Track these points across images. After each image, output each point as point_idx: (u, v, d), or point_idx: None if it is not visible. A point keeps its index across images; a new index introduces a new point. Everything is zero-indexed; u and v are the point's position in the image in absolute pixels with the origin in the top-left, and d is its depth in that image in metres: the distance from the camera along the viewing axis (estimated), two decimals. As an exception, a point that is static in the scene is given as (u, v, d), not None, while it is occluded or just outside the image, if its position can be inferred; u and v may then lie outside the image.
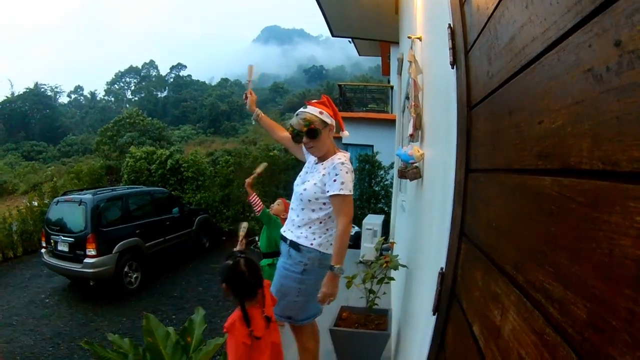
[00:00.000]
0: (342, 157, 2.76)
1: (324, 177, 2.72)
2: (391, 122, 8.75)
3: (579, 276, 0.56)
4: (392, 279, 3.56)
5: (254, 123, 3.47)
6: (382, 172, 11.29)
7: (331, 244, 2.79)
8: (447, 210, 1.55)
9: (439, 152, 2.04)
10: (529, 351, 0.69)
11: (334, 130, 2.85)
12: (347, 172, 2.66)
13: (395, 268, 3.32)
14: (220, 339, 3.30)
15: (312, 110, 2.76)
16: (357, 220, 8.51)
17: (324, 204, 2.76)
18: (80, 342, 5.84)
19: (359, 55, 12.94)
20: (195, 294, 8.24)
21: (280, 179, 12.59)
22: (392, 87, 10.49)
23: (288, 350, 3.45)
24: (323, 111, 2.77)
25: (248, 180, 4.31)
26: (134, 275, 8.47)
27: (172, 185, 13.50)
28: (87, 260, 7.70)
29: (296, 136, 2.79)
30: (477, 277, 1.10)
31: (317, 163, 2.89)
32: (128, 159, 14.88)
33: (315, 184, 2.76)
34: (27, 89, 72.80)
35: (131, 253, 8.41)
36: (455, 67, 1.53)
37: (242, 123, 52.06)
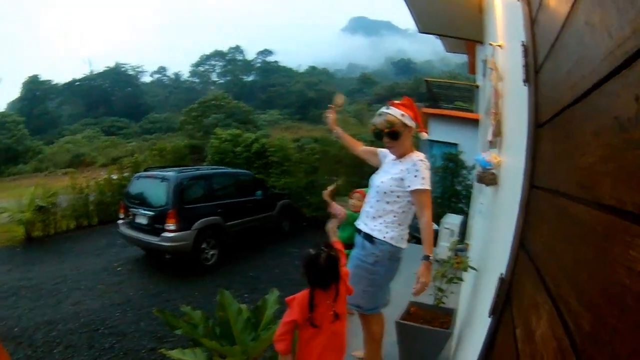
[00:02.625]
0: (420, 156, 2.93)
1: (402, 172, 2.89)
2: (476, 122, 8.51)
3: (589, 294, 0.66)
4: (461, 279, 3.60)
5: (334, 139, 3.69)
6: (465, 171, 11.03)
7: (403, 238, 2.96)
8: (513, 220, 1.61)
9: (513, 162, 2.06)
10: (549, 354, 0.79)
11: (413, 131, 2.99)
12: (426, 169, 2.85)
13: (465, 269, 3.37)
14: None
15: (394, 112, 2.91)
16: (437, 219, 8.45)
17: (399, 197, 2.92)
18: (149, 310, 6.00)
19: (447, 51, 12.58)
20: (271, 275, 8.10)
21: (364, 170, 12.48)
22: (477, 87, 10.17)
23: (355, 338, 3.60)
24: (405, 113, 2.91)
25: (326, 192, 4.42)
26: (211, 252, 8.56)
27: (256, 168, 13.45)
28: (165, 234, 7.81)
29: (378, 135, 2.97)
30: (527, 285, 1.19)
31: (395, 160, 3.05)
32: (213, 140, 15.01)
33: (392, 177, 2.94)
34: (107, 67, 75.91)
35: (210, 231, 8.45)
36: (527, 84, 1.57)
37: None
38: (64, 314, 6.28)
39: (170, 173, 8.53)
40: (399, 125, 2.89)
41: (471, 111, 13.27)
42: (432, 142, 12.58)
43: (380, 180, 3.02)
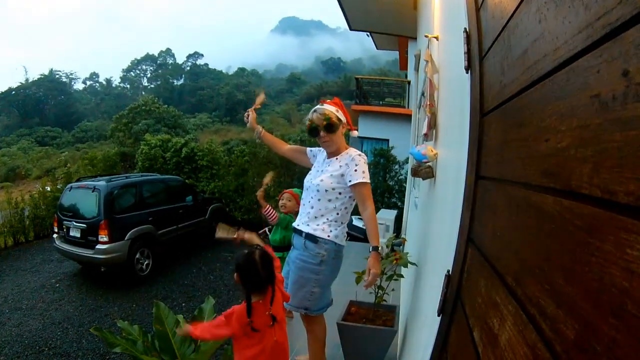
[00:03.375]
0: (357, 151, 2.99)
1: (341, 168, 2.92)
2: (407, 117, 8.71)
3: (571, 297, 0.58)
4: (402, 276, 3.58)
5: (257, 141, 3.57)
6: (397, 166, 11.25)
7: (344, 236, 2.99)
8: (456, 214, 1.56)
9: (452, 154, 2.03)
10: (521, 362, 0.71)
11: (345, 129, 3.04)
12: (365, 163, 2.89)
13: (405, 265, 3.34)
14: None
15: (329, 107, 2.96)
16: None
17: (340, 193, 2.93)
18: (89, 327, 5.84)
19: (377, 49, 12.83)
20: (207, 282, 8.23)
21: (294, 170, 12.57)
22: (409, 82, 10.42)
23: (297, 340, 3.50)
24: (339, 110, 2.98)
25: (259, 192, 4.32)
26: (146, 262, 8.49)
27: (186, 173, 13.52)
28: (99, 246, 7.73)
29: (313, 130, 2.98)
30: (480, 283, 1.12)
31: (329, 158, 3.06)
32: (143, 147, 14.96)
33: (332, 174, 2.94)
34: (41, 75, 74.09)
35: (143, 240, 8.42)
36: (469, 72, 1.53)
37: (258, 113, 51.98)
38: (8, 336, 6.23)
39: (100, 182, 8.44)
40: (335, 118, 2.93)
41: (402, 107, 13.58)
42: (363, 139, 12.78)
43: (319, 179, 2.98)
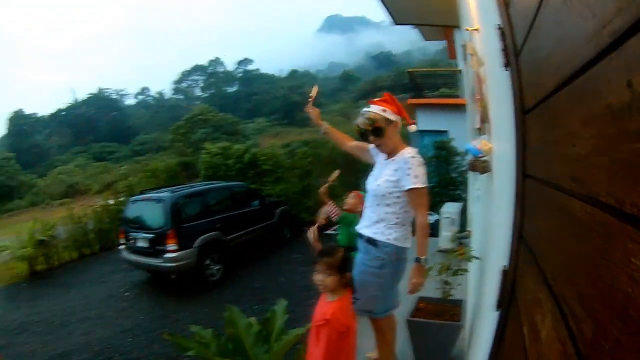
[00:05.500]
0: (411, 151, 2.86)
1: (396, 172, 2.84)
2: (464, 107, 8.52)
3: (590, 298, 0.62)
4: (466, 270, 3.56)
5: (323, 134, 3.55)
6: (458, 158, 11.02)
7: (407, 238, 2.92)
8: (510, 209, 1.56)
9: (504, 148, 2.01)
10: (554, 357, 0.75)
11: (399, 126, 2.93)
12: (418, 165, 2.78)
13: (469, 260, 3.33)
14: (301, 329, 3.32)
15: (375, 109, 2.88)
16: (436, 208, 8.45)
17: (398, 197, 2.86)
18: (160, 333, 5.84)
19: (425, 40, 12.56)
20: (277, 284, 8.18)
21: (358, 169, 12.51)
22: (460, 72, 10.16)
23: (369, 338, 3.57)
24: (386, 109, 2.87)
25: (322, 189, 4.40)
26: (216, 268, 8.57)
27: (250, 178, 13.45)
28: (167, 254, 7.82)
29: (363, 135, 2.93)
30: (529, 280, 1.15)
31: (386, 160, 2.99)
32: (204, 155, 15.03)
33: (387, 179, 2.88)
34: (90, 94, 76.94)
35: (212, 246, 8.48)
36: (508, 68, 1.52)
37: None
38: (77, 345, 6.26)
39: (165, 193, 8.57)
40: (381, 121, 2.85)
41: (457, 96, 13.28)
42: (422, 133, 12.58)
43: (376, 183, 2.96)
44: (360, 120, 2.92)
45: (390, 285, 3.01)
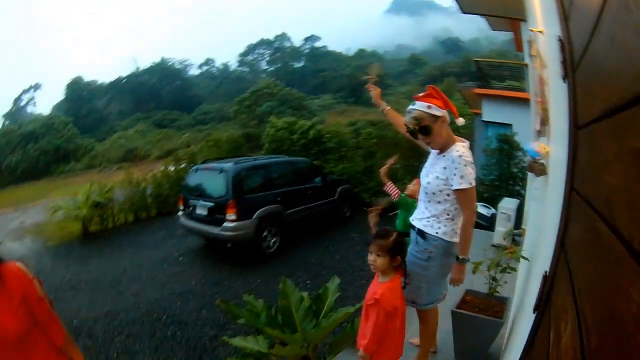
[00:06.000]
0: (460, 149, 2.78)
1: (445, 170, 2.80)
2: (529, 102, 8.25)
3: (600, 315, 0.70)
4: (514, 269, 3.57)
5: (381, 114, 3.55)
6: (520, 153, 10.71)
7: (456, 233, 2.89)
8: (556, 216, 1.60)
9: (559, 155, 2.02)
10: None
11: (448, 119, 2.84)
12: (465, 165, 2.71)
13: (518, 260, 3.35)
14: (351, 307, 3.40)
15: (420, 107, 2.80)
16: (493, 202, 8.33)
17: (448, 195, 2.84)
18: (210, 299, 6.19)
19: (492, 30, 12.09)
20: (333, 262, 8.10)
21: (422, 152, 12.13)
22: (526, 65, 9.78)
23: (412, 324, 3.66)
24: (431, 104, 2.78)
25: (382, 169, 4.45)
26: (272, 240, 8.68)
27: (313, 154, 13.37)
28: (226, 224, 7.95)
29: (412, 134, 2.91)
30: (562, 288, 1.22)
31: (438, 155, 2.95)
32: (269, 129, 15.11)
33: (437, 177, 2.85)
34: (153, 63, 76.82)
35: (271, 219, 8.62)
36: (566, 81, 1.53)
37: (383, 94, 49.88)
38: (125, 304, 6.44)
39: (228, 164, 8.65)
40: (427, 119, 2.78)
41: (523, 90, 12.82)
42: (487, 124, 12.26)
43: (427, 180, 2.95)
44: (407, 120, 2.87)
45: (436, 279, 3.04)
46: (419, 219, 3.04)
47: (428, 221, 2.94)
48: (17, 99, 68.39)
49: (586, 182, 1.13)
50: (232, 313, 3.50)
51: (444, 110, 2.82)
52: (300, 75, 73.23)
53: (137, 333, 5.53)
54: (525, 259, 3.20)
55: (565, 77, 1.55)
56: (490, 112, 12.35)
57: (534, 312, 1.64)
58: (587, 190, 1.09)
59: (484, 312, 3.51)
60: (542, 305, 1.53)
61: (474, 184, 2.75)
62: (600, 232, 0.82)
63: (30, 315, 2.03)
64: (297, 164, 10.52)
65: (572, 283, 1.04)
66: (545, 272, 1.61)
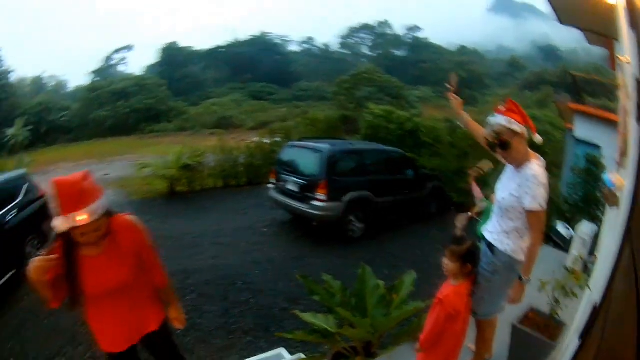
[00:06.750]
0: (535, 168, 2.74)
1: (519, 188, 2.77)
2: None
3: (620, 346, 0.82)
4: (575, 295, 3.53)
5: (461, 125, 3.55)
6: (606, 177, 10.10)
7: (523, 251, 2.88)
8: (614, 251, 1.61)
9: (630, 192, 2.02)
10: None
11: (526, 137, 2.81)
12: (538, 185, 2.67)
13: (582, 288, 3.33)
14: (421, 303, 3.39)
15: (500, 121, 2.79)
16: (574, 223, 8.04)
17: (520, 213, 2.82)
18: (289, 271, 6.31)
19: (589, 43, 11.44)
20: (412, 256, 7.90)
21: None
22: (619, 87, 9.14)
23: (470, 332, 3.71)
24: (511, 120, 2.76)
25: (472, 170, 4.44)
26: (358, 225, 8.63)
27: (408, 147, 12.96)
28: (315, 202, 7.99)
29: (491, 147, 2.91)
30: (602, 321, 1.30)
31: (513, 171, 2.93)
32: (367, 115, 15.01)
33: (511, 193, 2.84)
34: (252, 36, 76.39)
35: (359, 204, 8.58)
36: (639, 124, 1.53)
37: (482, 94, 47.14)
38: (201, 265, 6.51)
39: (324, 145, 8.73)
40: (506, 134, 2.76)
41: (615, 112, 11.99)
42: (578, 142, 11.69)
43: (501, 196, 2.96)
44: (487, 132, 2.88)
45: (498, 292, 3.06)
46: (490, 232, 3.07)
47: (498, 236, 2.97)
48: (108, 58, 68.54)
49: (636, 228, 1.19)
50: (310, 289, 3.62)
51: (523, 127, 2.79)
52: (401, 64, 69.95)
53: (210, 294, 5.68)
54: (588, 287, 3.16)
55: (638, 120, 1.55)
56: (582, 129, 11.69)
57: (578, 340, 1.69)
58: (635, 235, 1.16)
59: (543, 332, 3.51)
60: (586, 334, 1.58)
61: (544, 206, 2.71)
62: (630, 281, 0.92)
63: (140, 262, 2.40)
64: (391, 154, 10.41)
65: (607, 315, 1.13)
66: (595, 303, 1.64)
